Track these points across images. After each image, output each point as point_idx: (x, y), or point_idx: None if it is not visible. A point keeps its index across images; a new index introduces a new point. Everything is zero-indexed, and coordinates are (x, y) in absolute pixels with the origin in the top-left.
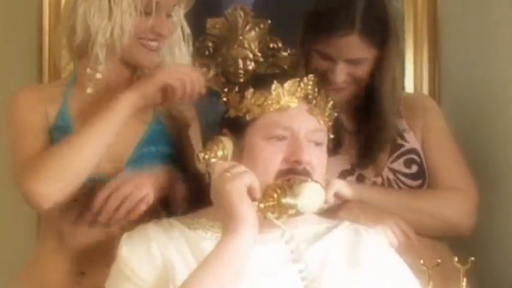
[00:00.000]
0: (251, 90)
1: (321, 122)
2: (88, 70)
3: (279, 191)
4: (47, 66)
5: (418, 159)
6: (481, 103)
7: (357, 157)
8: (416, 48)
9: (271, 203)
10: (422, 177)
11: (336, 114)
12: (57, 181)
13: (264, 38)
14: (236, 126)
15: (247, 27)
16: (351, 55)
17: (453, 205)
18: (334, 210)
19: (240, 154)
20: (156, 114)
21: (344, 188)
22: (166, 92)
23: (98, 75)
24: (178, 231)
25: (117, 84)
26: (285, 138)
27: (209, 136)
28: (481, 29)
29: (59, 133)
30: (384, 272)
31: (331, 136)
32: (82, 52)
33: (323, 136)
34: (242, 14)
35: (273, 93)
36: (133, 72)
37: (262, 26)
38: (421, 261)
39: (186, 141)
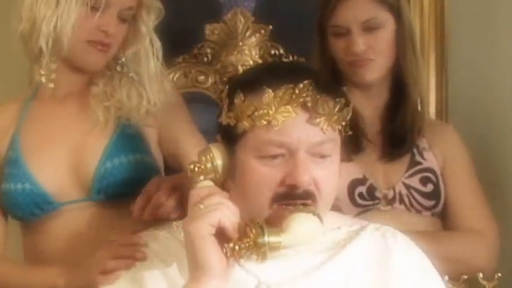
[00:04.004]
0: (241, 95)
1: (327, 129)
2: (41, 71)
3: (253, 230)
4: None
5: (434, 179)
6: (489, 113)
7: (381, 150)
8: (423, 59)
9: (247, 244)
10: (436, 198)
11: (351, 107)
12: None
13: (264, 44)
14: (228, 136)
15: (248, 33)
16: (363, 16)
17: (474, 251)
18: None
19: (233, 169)
20: (120, 123)
21: None
22: None
23: (46, 80)
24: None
25: (69, 96)
26: (282, 155)
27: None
28: (490, 41)
29: (9, 167)
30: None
31: (349, 133)
32: (34, 54)
33: (331, 146)
34: (242, 19)
35: (264, 102)
36: (87, 83)
37: (263, 31)
38: (446, 278)
39: (173, 133)
